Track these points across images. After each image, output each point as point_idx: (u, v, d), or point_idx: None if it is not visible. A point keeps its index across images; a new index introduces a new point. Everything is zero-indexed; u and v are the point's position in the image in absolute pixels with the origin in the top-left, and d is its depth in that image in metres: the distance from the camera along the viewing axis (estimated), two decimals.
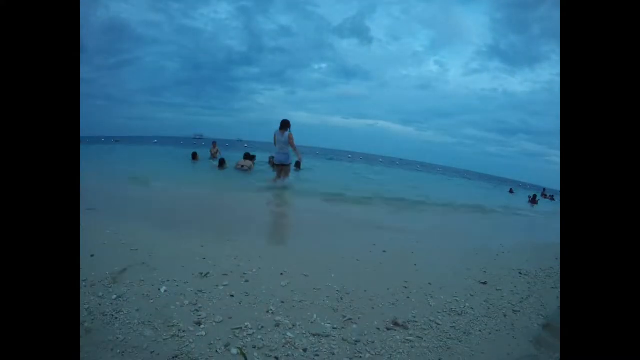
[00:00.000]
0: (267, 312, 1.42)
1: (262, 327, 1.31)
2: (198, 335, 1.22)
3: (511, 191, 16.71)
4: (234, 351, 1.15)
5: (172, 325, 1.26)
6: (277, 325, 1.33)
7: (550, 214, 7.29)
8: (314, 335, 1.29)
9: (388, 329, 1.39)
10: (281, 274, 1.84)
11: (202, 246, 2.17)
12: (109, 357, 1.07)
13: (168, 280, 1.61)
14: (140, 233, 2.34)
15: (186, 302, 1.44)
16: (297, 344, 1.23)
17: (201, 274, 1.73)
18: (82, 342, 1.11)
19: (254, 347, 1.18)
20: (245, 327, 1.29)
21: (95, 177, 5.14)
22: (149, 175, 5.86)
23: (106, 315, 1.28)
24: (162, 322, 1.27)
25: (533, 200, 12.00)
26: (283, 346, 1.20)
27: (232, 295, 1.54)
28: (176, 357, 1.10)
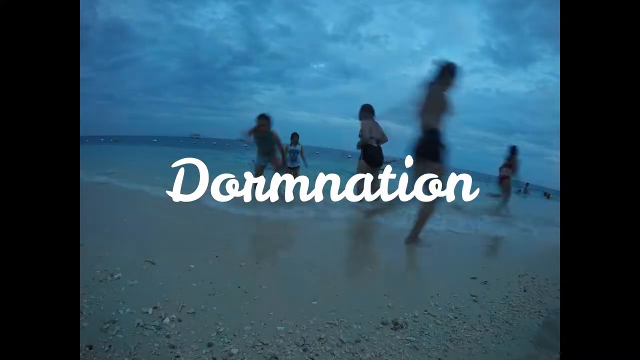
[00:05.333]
0: (267, 311, 1.43)
1: (262, 326, 1.31)
2: (194, 334, 1.22)
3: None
4: (234, 350, 1.15)
5: (172, 325, 1.26)
6: (277, 325, 1.33)
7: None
8: (313, 335, 1.28)
9: (388, 329, 1.39)
10: (280, 273, 1.84)
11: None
12: (109, 357, 1.07)
13: (167, 280, 1.61)
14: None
15: (185, 301, 1.44)
16: (296, 343, 1.23)
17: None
18: (82, 342, 1.11)
19: (254, 347, 1.18)
20: (245, 327, 1.29)
21: None
22: None
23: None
24: (162, 322, 1.27)
25: (525, 191, 11.68)
26: (283, 346, 1.20)
27: (232, 295, 1.54)
28: (176, 357, 1.10)
